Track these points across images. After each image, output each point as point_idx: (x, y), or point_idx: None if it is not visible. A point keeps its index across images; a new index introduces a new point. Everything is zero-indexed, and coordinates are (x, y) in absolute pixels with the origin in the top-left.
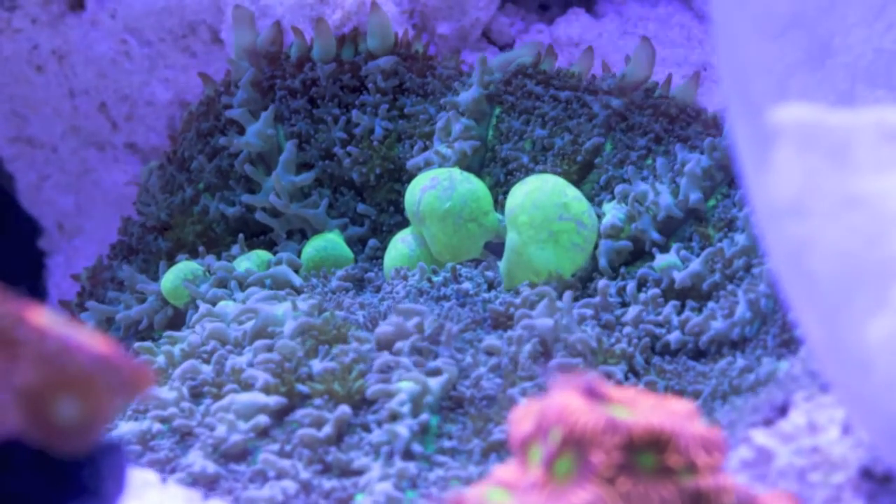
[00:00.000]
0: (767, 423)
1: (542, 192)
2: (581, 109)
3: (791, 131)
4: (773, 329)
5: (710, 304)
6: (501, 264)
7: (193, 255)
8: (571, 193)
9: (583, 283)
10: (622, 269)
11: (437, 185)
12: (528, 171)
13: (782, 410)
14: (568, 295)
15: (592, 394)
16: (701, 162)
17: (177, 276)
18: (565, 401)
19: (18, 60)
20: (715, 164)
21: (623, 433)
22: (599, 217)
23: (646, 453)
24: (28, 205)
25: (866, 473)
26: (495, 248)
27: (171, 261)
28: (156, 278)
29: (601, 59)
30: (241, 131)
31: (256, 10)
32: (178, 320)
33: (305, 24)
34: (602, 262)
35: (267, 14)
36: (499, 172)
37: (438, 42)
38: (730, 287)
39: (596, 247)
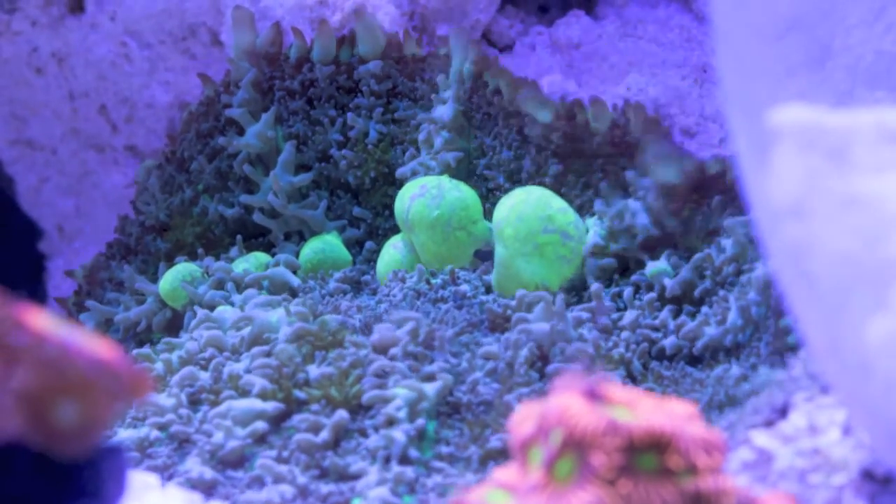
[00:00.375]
0: (768, 424)
1: (526, 205)
2: (529, 143)
3: (791, 133)
4: (766, 336)
5: (704, 309)
6: (493, 277)
7: (192, 256)
8: (556, 205)
9: (576, 295)
10: (615, 277)
11: (426, 194)
12: (505, 190)
13: (782, 412)
14: (560, 298)
15: (593, 395)
16: (649, 204)
17: (175, 277)
18: (566, 402)
19: (18, 63)
20: (662, 197)
21: (624, 435)
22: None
23: (646, 455)
24: (28, 207)
25: (867, 475)
26: (485, 256)
27: (170, 262)
28: (154, 279)
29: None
30: (241, 132)
31: (256, 11)
32: (176, 322)
33: (305, 26)
34: (590, 280)
35: (266, 16)
36: (482, 186)
37: (438, 44)
38: (721, 293)
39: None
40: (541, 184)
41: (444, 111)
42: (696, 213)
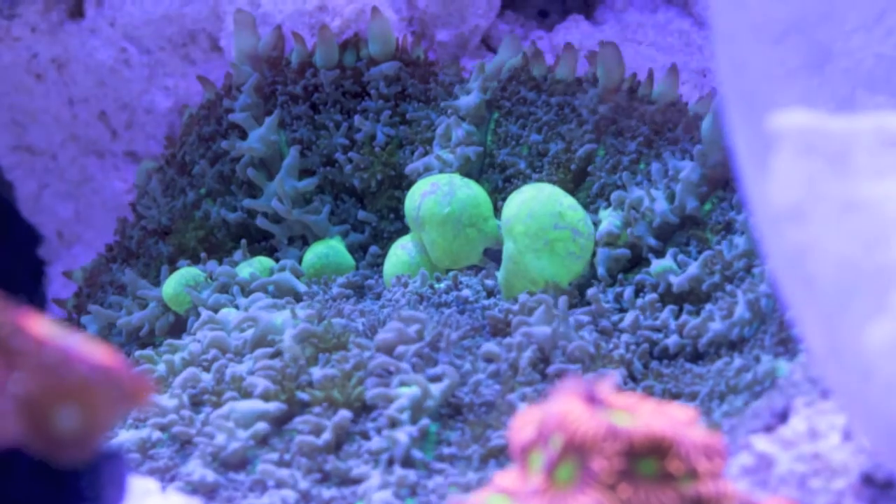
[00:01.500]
0: (768, 429)
1: (537, 202)
2: (571, 114)
3: (791, 137)
4: (771, 328)
5: (708, 306)
6: (499, 274)
7: (195, 260)
8: (567, 202)
9: (581, 292)
10: (620, 276)
11: (438, 191)
12: (526, 178)
13: (783, 416)
14: (563, 300)
15: (593, 400)
16: (695, 170)
17: (178, 282)
18: (566, 407)
19: (18, 69)
20: (707, 171)
21: (624, 439)
22: (595, 224)
23: (647, 459)
24: (28, 213)
25: (867, 479)
26: (494, 255)
27: (173, 266)
28: (156, 282)
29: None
30: (243, 135)
31: (256, 17)
32: (179, 326)
33: (305, 32)
34: (600, 270)
35: (266, 22)
36: (497, 178)
37: (437, 49)
38: (728, 288)
39: (594, 255)
40: (568, 161)
41: (468, 100)
42: (717, 204)
